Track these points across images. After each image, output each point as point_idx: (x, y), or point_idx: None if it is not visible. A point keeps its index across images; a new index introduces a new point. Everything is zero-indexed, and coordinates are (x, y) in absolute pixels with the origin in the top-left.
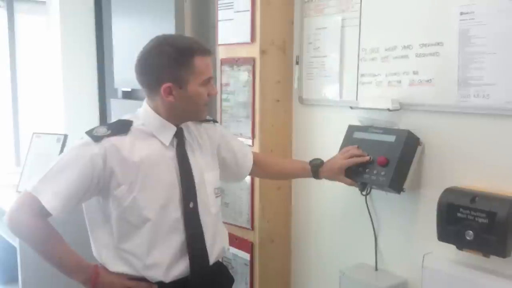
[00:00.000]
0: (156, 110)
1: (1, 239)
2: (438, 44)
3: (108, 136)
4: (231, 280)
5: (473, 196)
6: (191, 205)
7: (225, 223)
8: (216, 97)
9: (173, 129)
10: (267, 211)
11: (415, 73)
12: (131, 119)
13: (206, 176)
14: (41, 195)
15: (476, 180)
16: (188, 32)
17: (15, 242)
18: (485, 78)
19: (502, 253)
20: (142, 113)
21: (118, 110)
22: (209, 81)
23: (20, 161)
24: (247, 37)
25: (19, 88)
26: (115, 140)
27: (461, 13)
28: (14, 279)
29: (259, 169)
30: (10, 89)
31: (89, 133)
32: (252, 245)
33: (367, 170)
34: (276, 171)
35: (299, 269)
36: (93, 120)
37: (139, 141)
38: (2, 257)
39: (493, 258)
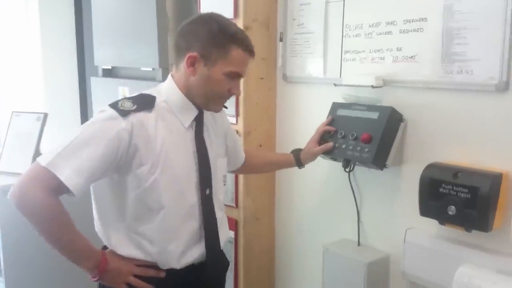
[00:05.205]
0: (178, 83)
1: None
2: (422, 20)
3: (135, 111)
4: (228, 264)
5: (456, 171)
6: (207, 191)
7: None
8: None
9: (195, 111)
10: (252, 189)
11: (398, 49)
12: (153, 94)
13: (218, 163)
14: (59, 170)
15: (458, 155)
16: (169, 7)
17: None
18: (469, 53)
19: (484, 228)
20: (166, 88)
21: (99, 88)
22: (236, 76)
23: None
24: (230, 13)
25: None
26: (142, 116)
27: None
28: None
29: (247, 162)
30: None
31: (114, 106)
32: (236, 222)
33: (350, 147)
34: (263, 163)
35: (284, 246)
36: (73, 98)
37: (162, 119)
38: None
39: (475, 232)
